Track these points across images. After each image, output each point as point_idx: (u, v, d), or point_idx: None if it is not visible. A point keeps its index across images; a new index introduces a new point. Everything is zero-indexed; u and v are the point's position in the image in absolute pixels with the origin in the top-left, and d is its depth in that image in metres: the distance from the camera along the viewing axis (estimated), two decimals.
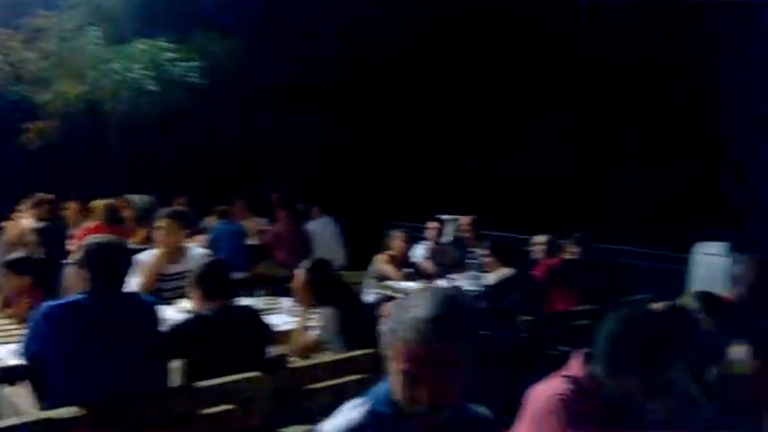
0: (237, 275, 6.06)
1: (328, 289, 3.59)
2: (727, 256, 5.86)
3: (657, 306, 2.39)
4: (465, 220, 7.06)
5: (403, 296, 1.60)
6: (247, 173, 11.26)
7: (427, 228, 7.08)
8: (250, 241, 7.54)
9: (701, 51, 9.02)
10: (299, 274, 3.67)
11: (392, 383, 1.53)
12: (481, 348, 4.64)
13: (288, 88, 10.82)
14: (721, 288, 4.08)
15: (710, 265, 5.96)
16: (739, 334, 2.85)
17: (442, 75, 11.29)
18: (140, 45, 10.21)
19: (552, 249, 5.89)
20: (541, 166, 10.48)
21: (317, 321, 3.56)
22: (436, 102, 11.29)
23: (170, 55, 10.18)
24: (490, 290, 5.01)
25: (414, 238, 6.76)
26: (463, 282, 5.78)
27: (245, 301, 3.73)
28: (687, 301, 2.75)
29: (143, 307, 2.97)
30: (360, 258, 6.89)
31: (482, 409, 1.79)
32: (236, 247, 6.86)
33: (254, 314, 3.34)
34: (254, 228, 7.90)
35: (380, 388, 1.60)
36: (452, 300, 1.46)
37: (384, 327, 1.56)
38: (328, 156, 11.59)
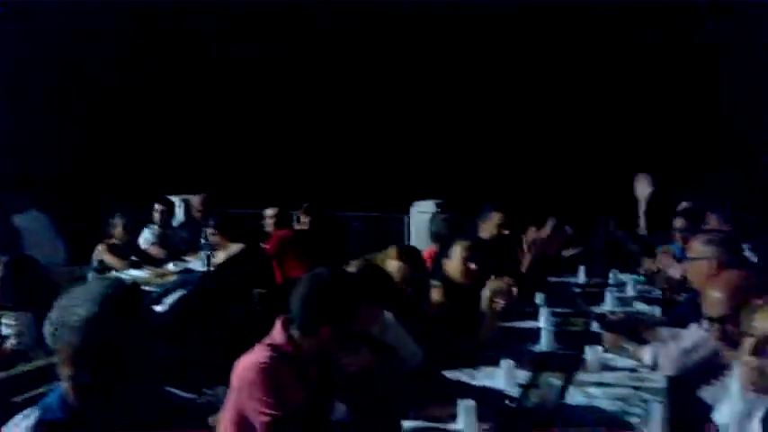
0: None
1: (24, 291, 3.18)
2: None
3: (353, 264, 2.55)
4: (196, 199, 6.83)
5: (66, 296, 1.45)
6: None
7: (154, 211, 6.69)
8: None
9: None
10: None
11: (64, 388, 1.41)
12: (216, 326, 4.54)
13: None
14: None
15: (423, 222, 6.59)
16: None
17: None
18: None
19: (282, 221, 6.00)
20: (268, 139, 10.51)
21: (11, 328, 3.15)
22: (158, 77, 10.64)
23: None
24: (219, 268, 4.94)
25: (140, 222, 6.36)
26: (195, 264, 5.62)
27: None
28: (388, 255, 2.98)
29: None
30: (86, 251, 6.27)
31: (182, 394, 1.75)
32: None
33: None
34: None
35: (52, 395, 1.46)
36: (113, 295, 1.36)
37: (47, 330, 1.41)
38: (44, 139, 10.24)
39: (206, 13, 10.37)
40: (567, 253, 5.61)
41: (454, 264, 3.34)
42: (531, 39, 9.63)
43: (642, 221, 5.39)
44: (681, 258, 4.95)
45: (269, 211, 6.09)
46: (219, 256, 5.20)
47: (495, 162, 9.74)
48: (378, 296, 2.35)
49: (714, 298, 2.28)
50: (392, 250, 2.99)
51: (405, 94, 10.25)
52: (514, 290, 3.22)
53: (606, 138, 9.25)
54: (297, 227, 6.27)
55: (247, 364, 1.92)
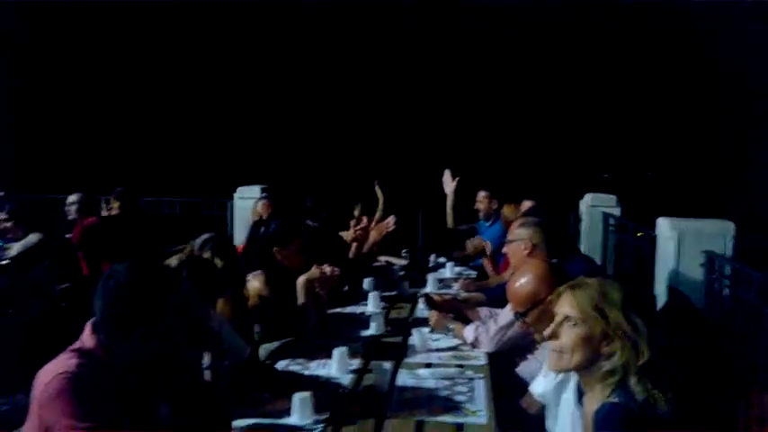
0: None
1: None
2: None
3: (175, 257, 2.35)
4: None
5: None
6: None
7: None
8: None
9: None
10: None
11: None
12: (13, 326, 4.01)
13: None
14: None
15: (247, 208, 6.38)
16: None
17: None
18: None
19: (88, 208, 5.46)
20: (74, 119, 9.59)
21: None
22: None
23: None
24: (14, 261, 4.36)
25: None
26: None
27: None
28: (199, 248, 2.77)
29: None
30: None
31: None
32: None
33: None
34: None
35: None
36: None
37: None
38: None
39: None
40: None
41: (290, 253, 3.27)
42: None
43: (449, 215, 5.67)
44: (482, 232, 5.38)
45: (72, 197, 5.51)
46: (14, 248, 4.59)
47: (318, 150, 9.82)
48: (206, 289, 2.19)
49: (515, 297, 2.49)
50: (200, 243, 2.76)
51: (229, 79, 9.93)
52: (332, 275, 3.20)
53: (416, 134, 9.71)
54: (105, 213, 5.75)
55: (51, 373, 1.66)
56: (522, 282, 2.51)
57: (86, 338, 1.76)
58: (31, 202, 5.15)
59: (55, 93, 9.68)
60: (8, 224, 4.59)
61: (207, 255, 2.64)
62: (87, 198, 5.54)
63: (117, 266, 1.77)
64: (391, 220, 4.66)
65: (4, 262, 4.47)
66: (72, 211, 5.51)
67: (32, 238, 4.48)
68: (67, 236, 5.18)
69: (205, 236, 2.79)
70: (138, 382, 1.80)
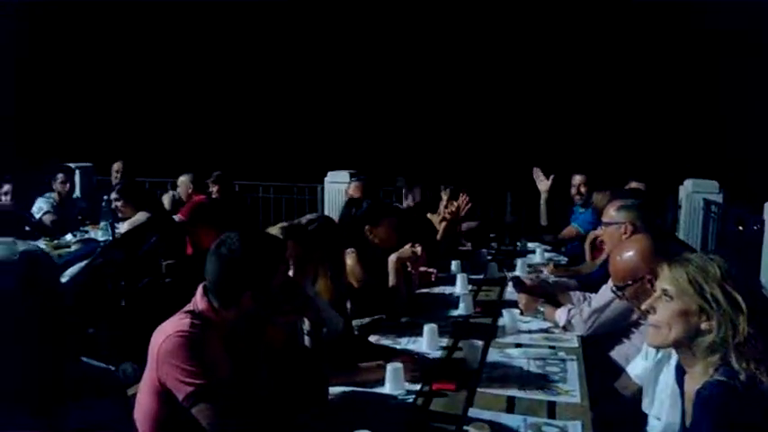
0: None
1: None
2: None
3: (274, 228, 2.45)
4: (116, 165, 6.48)
5: None
6: None
7: (55, 179, 6.11)
8: None
9: None
10: None
11: None
12: (122, 298, 4.26)
13: None
14: None
15: (337, 192, 6.55)
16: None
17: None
18: None
19: (195, 189, 5.78)
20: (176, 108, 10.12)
21: None
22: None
23: None
24: (124, 237, 4.67)
25: (36, 190, 5.93)
26: (95, 234, 5.32)
27: None
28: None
29: None
30: None
31: (99, 364, 1.61)
32: None
33: None
34: None
35: None
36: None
37: None
38: None
39: None
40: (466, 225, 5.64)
41: (381, 232, 3.35)
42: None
43: (543, 213, 5.47)
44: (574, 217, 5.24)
45: (183, 178, 5.83)
46: (123, 226, 4.92)
47: (406, 135, 9.88)
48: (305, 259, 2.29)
49: (615, 269, 2.44)
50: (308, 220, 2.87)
51: (320, 67, 10.16)
52: (421, 254, 3.25)
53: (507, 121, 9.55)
54: (209, 195, 6.06)
55: (168, 332, 1.80)
56: (625, 256, 2.46)
57: (198, 301, 1.89)
58: (140, 184, 5.49)
59: (160, 87, 10.25)
60: (119, 203, 4.91)
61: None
62: (198, 177, 5.85)
63: (229, 234, 1.88)
64: (465, 197, 4.62)
65: (116, 237, 4.81)
66: (181, 192, 5.84)
67: (140, 216, 4.78)
68: (174, 217, 5.48)
69: (313, 215, 2.91)
70: (244, 343, 1.92)
